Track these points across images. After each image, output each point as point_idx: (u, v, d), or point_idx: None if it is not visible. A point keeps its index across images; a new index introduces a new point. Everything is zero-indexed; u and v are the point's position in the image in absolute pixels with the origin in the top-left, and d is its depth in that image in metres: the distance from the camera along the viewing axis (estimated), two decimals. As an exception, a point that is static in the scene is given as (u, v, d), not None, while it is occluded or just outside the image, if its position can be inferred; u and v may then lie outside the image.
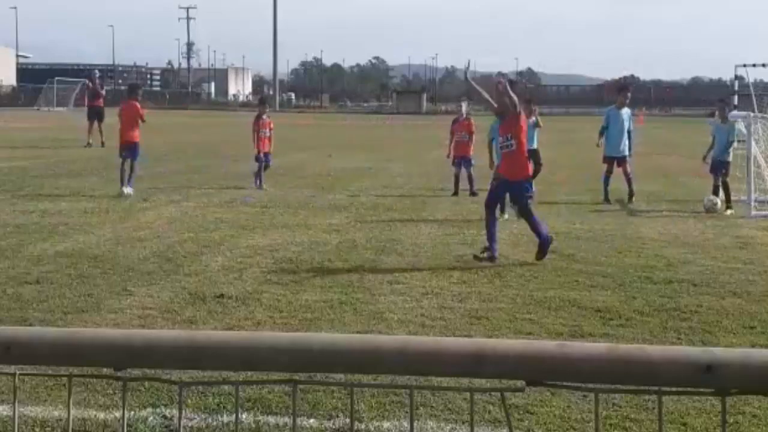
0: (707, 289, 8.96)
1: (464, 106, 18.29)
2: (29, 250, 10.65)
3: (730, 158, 15.37)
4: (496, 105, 10.54)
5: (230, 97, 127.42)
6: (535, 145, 15.58)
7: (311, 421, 5.32)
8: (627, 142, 16.81)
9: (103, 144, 28.92)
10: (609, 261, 10.39)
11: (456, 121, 17.91)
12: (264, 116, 18.84)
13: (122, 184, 16.43)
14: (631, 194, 16.33)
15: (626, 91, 17.83)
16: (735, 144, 15.62)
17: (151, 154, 25.63)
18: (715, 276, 9.59)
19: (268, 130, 18.69)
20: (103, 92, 32.09)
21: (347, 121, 63.49)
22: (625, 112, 17.07)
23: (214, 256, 10.43)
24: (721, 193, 15.23)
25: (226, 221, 13.33)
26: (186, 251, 10.74)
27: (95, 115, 30.11)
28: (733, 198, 15.16)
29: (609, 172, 16.71)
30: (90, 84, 33.20)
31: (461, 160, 17.33)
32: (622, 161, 16.74)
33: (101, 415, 5.33)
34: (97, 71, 36.54)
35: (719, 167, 15.30)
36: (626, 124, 16.85)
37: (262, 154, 18.40)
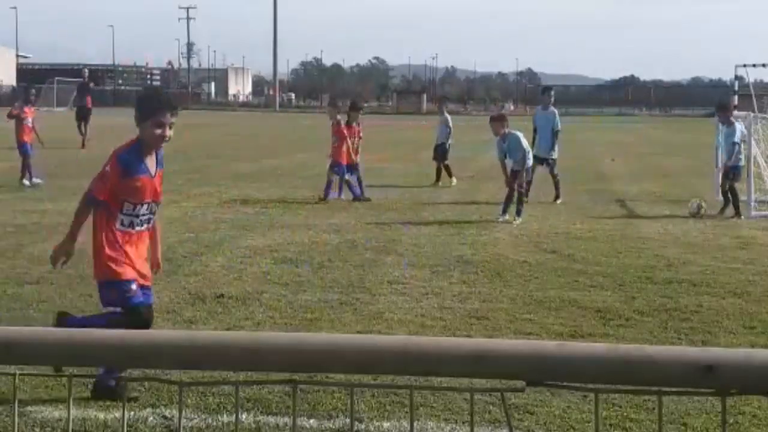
0: (707, 289, 8.96)
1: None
2: (29, 250, 10.64)
3: (741, 162, 14.89)
4: None
5: (230, 97, 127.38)
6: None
7: (311, 421, 5.32)
8: (552, 144, 16.58)
9: (84, 145, 28.83)
10: (609, 261, 10.39)
11: (348, 126, 16.83)
12: (354, 123, 16.89)
13: (29, 176, 18.04)
14: (556, 197, 16.02)
15: (549, 90, 18.19)
16: (742, 146, 15.24)
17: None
18: (716, 276, 9.59)
19: (356, 138, 16.81)
20: (90, 91, 31.98)
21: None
22: (551, 112, 16.90)
23: (214, 256, 10.43)
24: (701, 195, 15.06)
25: (226, 221, 13.33)
26: (186, 251, 10.74)
27: (85, 114, 29.99)
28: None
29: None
30: (81, 83, 33.18)
31: (348, 165, 16.37)
32: (547, 163, 16.52)
33: (101, 415, 5.33)
34: (86, 70, 36.34)
35: (727, 172, 14.99)
36: (551, 125, 16.60)
37: (343, 164, 16.37)
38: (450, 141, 19.84)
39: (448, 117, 20.32)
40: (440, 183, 19.31)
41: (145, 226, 5.73)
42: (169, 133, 5.65)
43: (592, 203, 16.13)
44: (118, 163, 5.57)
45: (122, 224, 5.60)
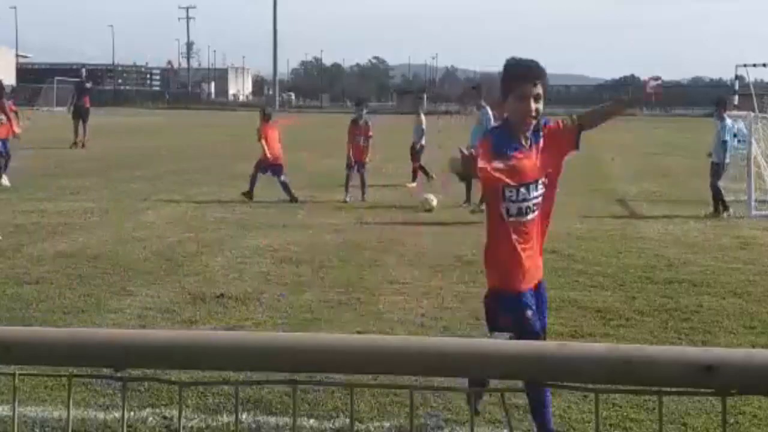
0: (707, 289, 8.96)
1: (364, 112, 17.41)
2: (29, 250, 10.64)
3: (726, 159, 14.58)
4: None
5: (230, 97, 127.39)
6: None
7: (311, 421, 5.32)
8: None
9: (83, 145, 28.87)
10: (609, 261, 10.38)
11: (355, 123, 16.85)
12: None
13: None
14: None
15: (479, 87, 17.73)
16: (729, 143, 14.92)
17: (152, 155, 25.66)
18: (716, 276, 9.58)
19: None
20: (90, 90, 31.98)
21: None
22: (483, 112, 15.80)
23: (214, 256, 10.43)
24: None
25: (226, 221, 13.33)
26: (186, 251, 10.74)
27: (82, 113, 30.01)
28: (733, 198, 15.08)
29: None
30: (78, 82, 33.20)
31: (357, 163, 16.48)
32: None
33: (101, 416, 5.33)
34: (84, 70, 36.31)
35: (712, 168, 14.77)
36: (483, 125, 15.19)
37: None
38: (422, 142, 19.50)
39: (423, 118, 20.05)
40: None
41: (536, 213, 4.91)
42: (534, 106, 4.68)
43: (593, 203, 16.12)
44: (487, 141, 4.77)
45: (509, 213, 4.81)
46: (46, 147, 28.95)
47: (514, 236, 4.84)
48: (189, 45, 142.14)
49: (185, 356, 1.71)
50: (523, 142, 4.77)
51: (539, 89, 4.71)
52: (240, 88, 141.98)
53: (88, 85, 32.62)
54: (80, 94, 31.18)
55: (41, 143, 30.87)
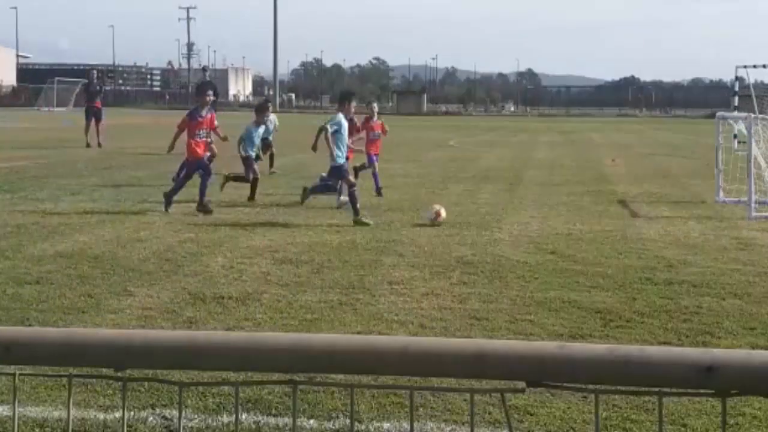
0: (708, 290, 8.95)
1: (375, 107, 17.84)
2: (29, 250, 10.64)
3: None
4: None
5: (230, 97, 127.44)
6: None
7: (311, 421, 5.32)
8: None
9: (100, 144, 29.05)
10: (609, 262, 10.38)
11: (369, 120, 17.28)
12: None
13: None
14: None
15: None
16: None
17: (151, 155, 25.64)
18: (716, 277, 9.58)
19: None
20: (101, 92, 32.15)
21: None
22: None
23: (214, 257, 10.43)
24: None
25: (226, 221, 13.32)
26: (186, 251, 10.74)
27: (93, 115, 30.19)
28: (734, 199, 15.07)
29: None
30: (87, 84, 33.31)
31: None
32: None
33: (101, 416, 5.33)
34: (95, 71, 36.53)
35: None
36: None
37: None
38: None
39: None
40: None
41: None
42: None
43: (593, 204, 16.12)
44: None
45: None
46: (47, 147, 28.96)
47: None
48: (189, 45, 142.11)
49: (185, 356, 1.71)
50: None
51: None
52: (240, 88, 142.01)
53: (99, 87, 32.73)
54: (91, 96, 31.25)
55: (42, 143, 30.89)
